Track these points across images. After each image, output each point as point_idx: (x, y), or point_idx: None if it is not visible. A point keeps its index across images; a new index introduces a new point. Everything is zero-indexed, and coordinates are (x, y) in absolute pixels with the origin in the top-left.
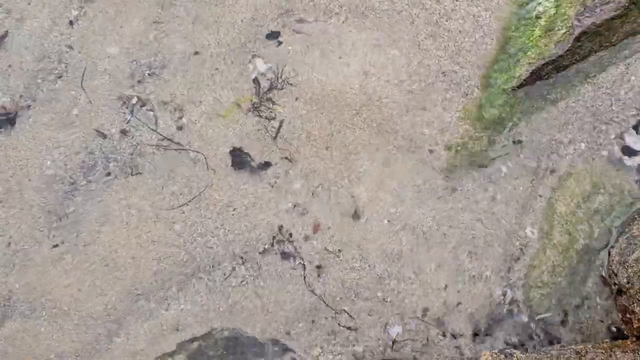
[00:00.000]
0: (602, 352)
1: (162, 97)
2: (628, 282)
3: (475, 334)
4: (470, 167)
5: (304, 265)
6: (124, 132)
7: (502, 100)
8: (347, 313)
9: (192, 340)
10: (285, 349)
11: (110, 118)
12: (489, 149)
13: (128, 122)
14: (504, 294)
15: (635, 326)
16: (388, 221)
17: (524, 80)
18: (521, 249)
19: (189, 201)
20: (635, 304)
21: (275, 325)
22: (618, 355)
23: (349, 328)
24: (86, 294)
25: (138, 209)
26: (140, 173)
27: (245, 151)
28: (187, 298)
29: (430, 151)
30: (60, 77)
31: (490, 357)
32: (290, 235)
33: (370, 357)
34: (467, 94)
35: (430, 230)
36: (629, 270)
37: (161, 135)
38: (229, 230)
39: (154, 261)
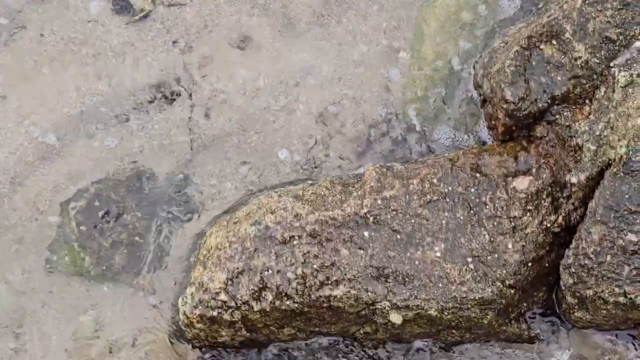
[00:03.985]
0: (472, 157)
1: None
2: (491, 92)
3: (359, 155)
4: None
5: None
6: None
7: None
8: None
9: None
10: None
11: None
12: None
13: None
14: (382, 115)
15: (499, 131)
16: None
17: None
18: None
19: None
20: (498, 111)
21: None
22: (485, 158)
23: (244, 162)
24: None
25: None
26: None
27: None
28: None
29: None
30: None
31: (373, 171)
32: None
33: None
34: None
35: (320, 72)
36: (492, 81)
37: None
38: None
39: None
